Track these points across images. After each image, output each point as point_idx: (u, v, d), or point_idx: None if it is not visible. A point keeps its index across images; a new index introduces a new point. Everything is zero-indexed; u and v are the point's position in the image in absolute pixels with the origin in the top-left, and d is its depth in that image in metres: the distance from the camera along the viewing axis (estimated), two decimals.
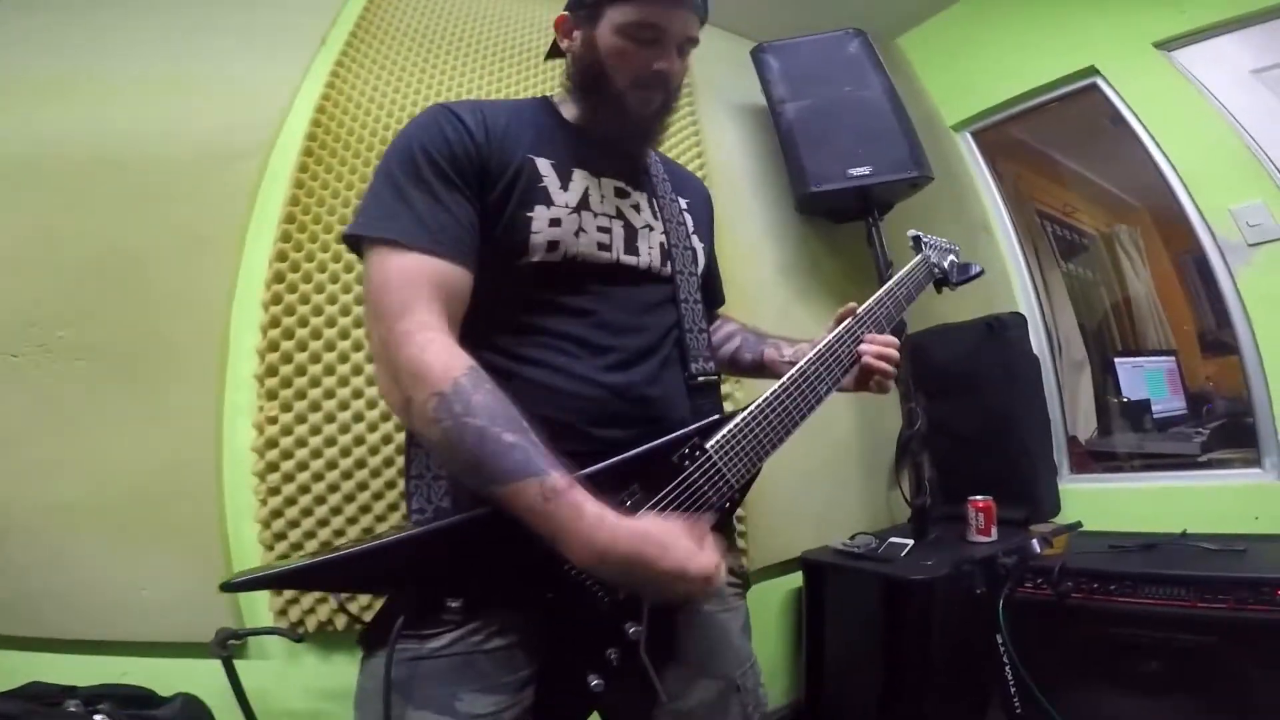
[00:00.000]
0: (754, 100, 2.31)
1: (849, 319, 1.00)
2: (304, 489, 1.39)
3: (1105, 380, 2.62)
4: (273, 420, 1.39)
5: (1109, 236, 3.14)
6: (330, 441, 1.42)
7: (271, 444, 1.38)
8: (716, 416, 0.85)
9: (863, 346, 0.99)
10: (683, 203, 1.06)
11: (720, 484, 0.81)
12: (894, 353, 1.00)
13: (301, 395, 1.42)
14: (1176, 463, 2.13)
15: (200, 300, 1.43)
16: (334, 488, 1.41)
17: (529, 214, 0.84)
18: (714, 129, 2.26)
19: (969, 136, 2.58)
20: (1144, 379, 2.61)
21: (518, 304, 0.85)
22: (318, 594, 1.36)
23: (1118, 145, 2.19)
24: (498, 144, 0.86)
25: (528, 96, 1.10)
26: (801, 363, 0.92)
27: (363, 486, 1.43)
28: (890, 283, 1.10)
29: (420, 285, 0.76)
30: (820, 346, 0.95)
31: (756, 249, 2.17)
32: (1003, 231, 2.49)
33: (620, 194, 0.96)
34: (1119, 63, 2.17)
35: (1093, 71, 2.22)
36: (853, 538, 1.88)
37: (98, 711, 1.10)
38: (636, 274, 0.93)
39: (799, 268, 2.25)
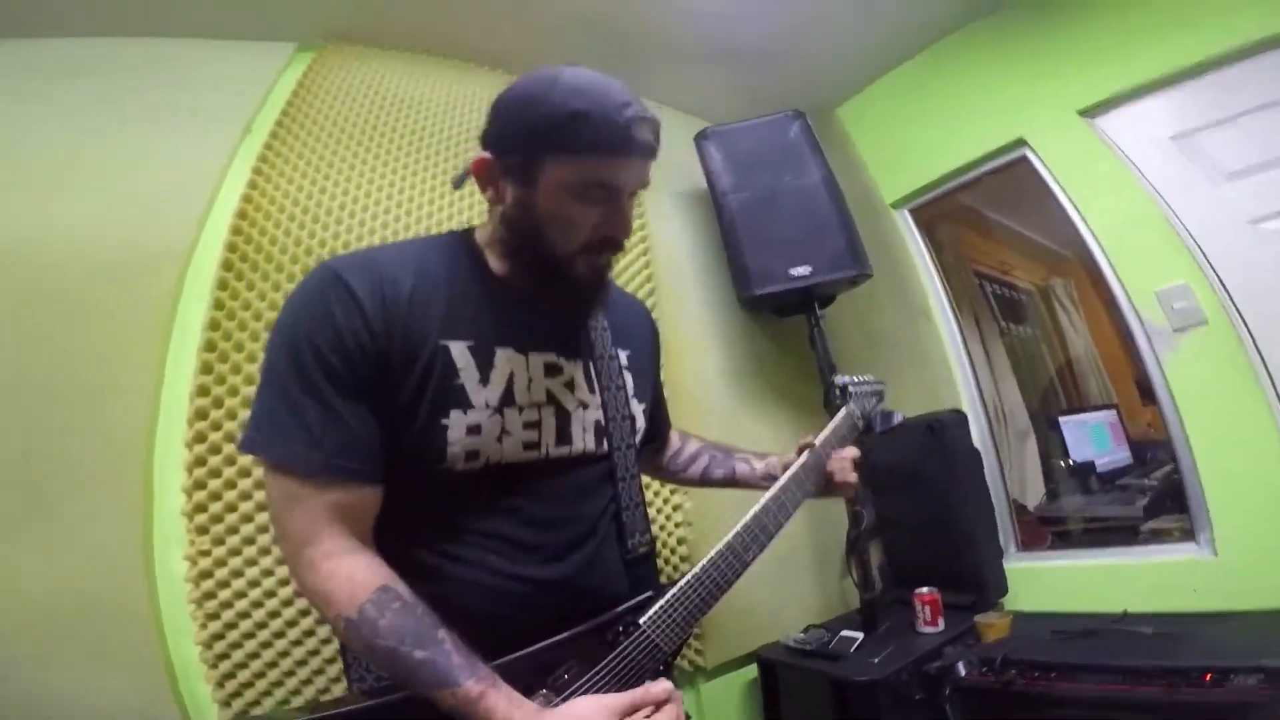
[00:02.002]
0: (697, 185, 2.31)
1: (774, 488, 1.02)
2: (244, 615, 1.33)
3: (1051, 442, 2.68)
4: (205, 553, 1.33)
5: (1045, 290, 3.25)
6: (267, 573, 1.36)
7: (206, 575, 1.32)
8: (649, 594, 0.87)
9: (837, 473, 1.09)
10: (623, 358, 0.99)
11: (654, 653, 0.83)
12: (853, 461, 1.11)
13: (234, 530, 1.35)
14: (1119, 533, 2.18)
15: (118, 432, 1.34)
16: (275, 614, 1.36)
17: (443, 421, 0.77)
18: (660, 221, 2.25)
19: (908, 215, 2.62)
20: (1089, 434, 2.70)
21: (443, 504, 0.81)
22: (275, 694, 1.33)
23: (1052, 208, 2.22)
24: (400, 328, 0.76)
25: (441, 232, 0.95)
26: (728, 536, 0.93)
27: (305, 612, 1.37)
28: (819, 439, 1.12)
29: (321, 515, 0.74)
30: (748, 517, 0.97)
31: (701, 348, 2.16)
32: (942, 315, 2.51)
33: (551, 371, 0.87)
34: (1046, 134, 2.19)
35: (1021, 143, 2.25)
36: (806, 630, 1.89)
37: None
38: (569, 462, 0.89)
39: (744, 369, 2.23)
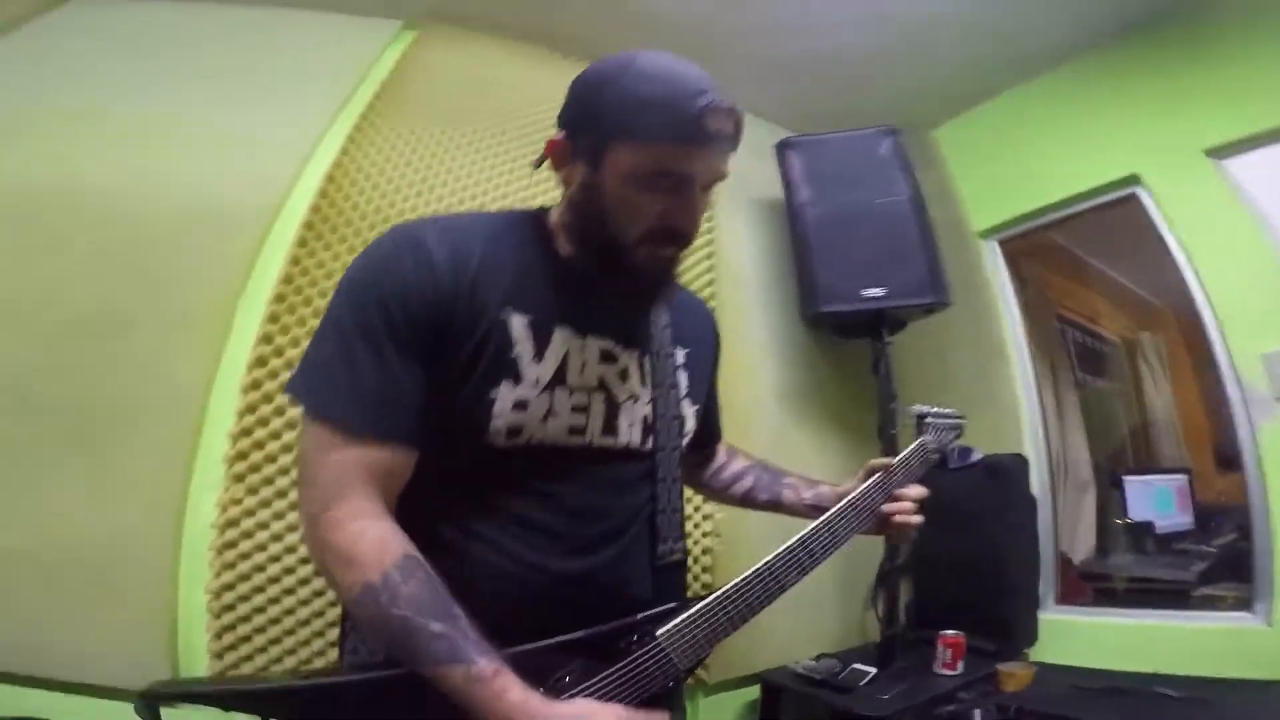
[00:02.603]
0: (773, 194, 2.25)
1: (829, 513, 0.94)
2: (259, 568, 1.39)
3: (1111, 499, 2.55)
4: (236, 501, 1.39)
5: (1132, 343, 3.05)
6: (292, 528, 1.42)
7: (232, 523, 1.38)
8: (672, 605, 0.81)
9: (896, 513, 1.03)
10: (680, 356, 0.95)
11: (667, 667, 0.77)
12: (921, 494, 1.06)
13: (269, 481, 1.42)
14: (1166, 596, 2.06)
15: (182, 372, 1.42)
16: (289, 570, 1.41)
17: (492, 394, 0.75)
18: (729, 226, 2.21)
19: (996, 245, 2.47)
20: (1153, 496, 2.54)
21: (474, 478, 0.79)
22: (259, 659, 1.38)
23: (1154, 254, 2.07)
24: (466, 293, 0.75)
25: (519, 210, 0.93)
26: (768, 558, 0.86)
27: (319, 573, 1.43)
28: (892, 464, 1.04)
29: (356, 472, 0.71)
30: (794, 542, 0.88)
31: (757, 365, 2.12)
32: (1018, 355, 2.37)
33: (606, 358, 0.84)
34: (1164, 171, 2.00)
35: (1134, 180, 2.08)
36: (817, 658, 1.85)
37: None
38: (612, 454, 0.85)
39: (801, 388, 2.18)
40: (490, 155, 1.88)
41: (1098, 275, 2.87)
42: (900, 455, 1.07)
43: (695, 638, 0.79)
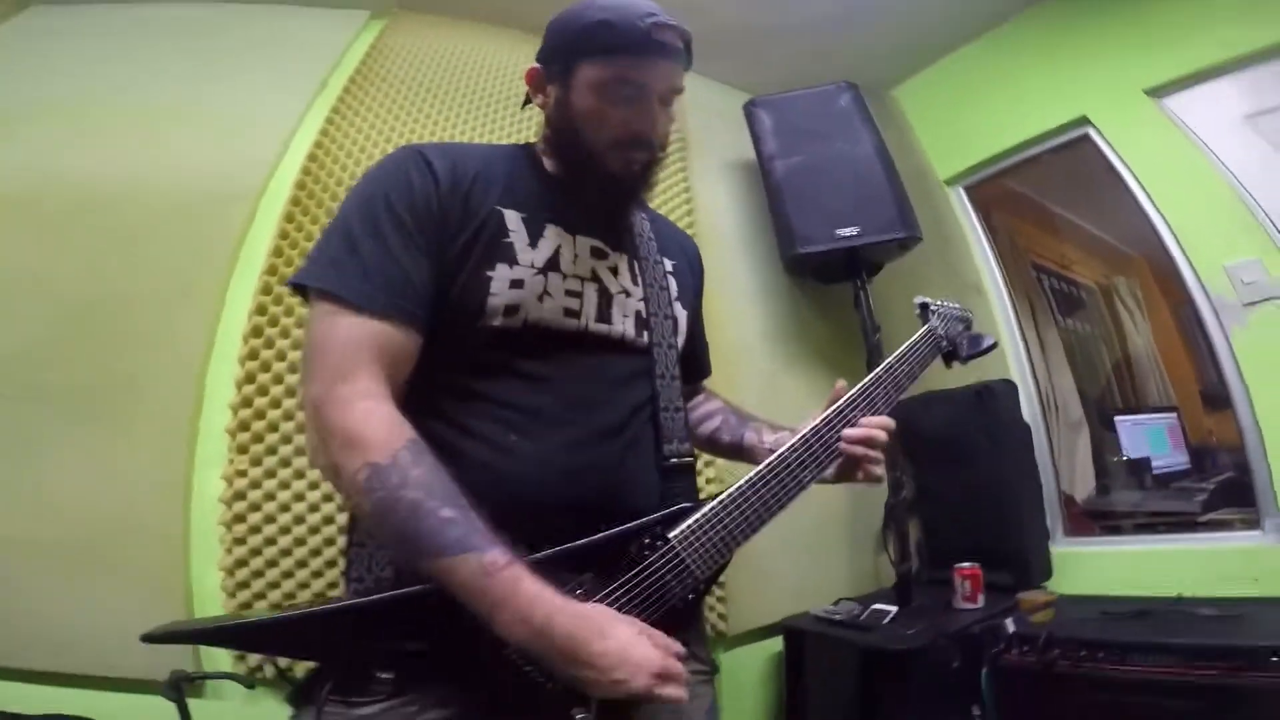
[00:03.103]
0: (746, 155, 2.32)
1: (839, 401, 0.91)
2: (270, 541, 1.38)
3: (1105, 439, 2.58)
4: (242, 474, 1.39)
5: (1108, 289, 3.11)
6: (299, 497, 1.41)
7: (239, 496, 1.37)
8: (682, 505, 0.78)
9: (846, 432, 0.88)
10: (668, 265, 0.99)
11: (684, 575, 0.75)
12: (880, 434, 0.90)
13: (272, 451, 1.42)
14: (1175, 523, 2.08)
15: (179, 349, 1.44)
16: (300, 541, 1.40)
17: (489, 273, 0.78)
18: (705, 186, 2.27)
19: (961, 191, 2.57)
20: (1145, 436, 2.57)
21: (470, 369, 0.78)
22: None
23: (1115, 195, 2.17)
24: (463, 193, 0.81)
25: (508, 143, 1.02)
26: (782, 449, 0.83)
27: (330, 542, 1.41)
28: (890, 359, 0.99)
29: (363, 348, 0.71)
30: (804, 432, 0.86)
31: (743, 311, 2.16)
32: (995, 292, 2.45)
33: (597, 254, 0.89)
34: (1110, 112, 2.15)
35: (1084, 122, 2.21)
36: (836, 603, 1.84)
37: None
38: (608, 343, 0.86)
39: (787, 332, 2.22)
40: (466, 129, 1.94)
41: (1066, 223, 2.94)
42: (909, 341, 1.04)
43: (711, 541, 0.77)
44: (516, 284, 0.79)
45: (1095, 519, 2.33)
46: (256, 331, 1.46)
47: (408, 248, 0.76)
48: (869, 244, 1.97)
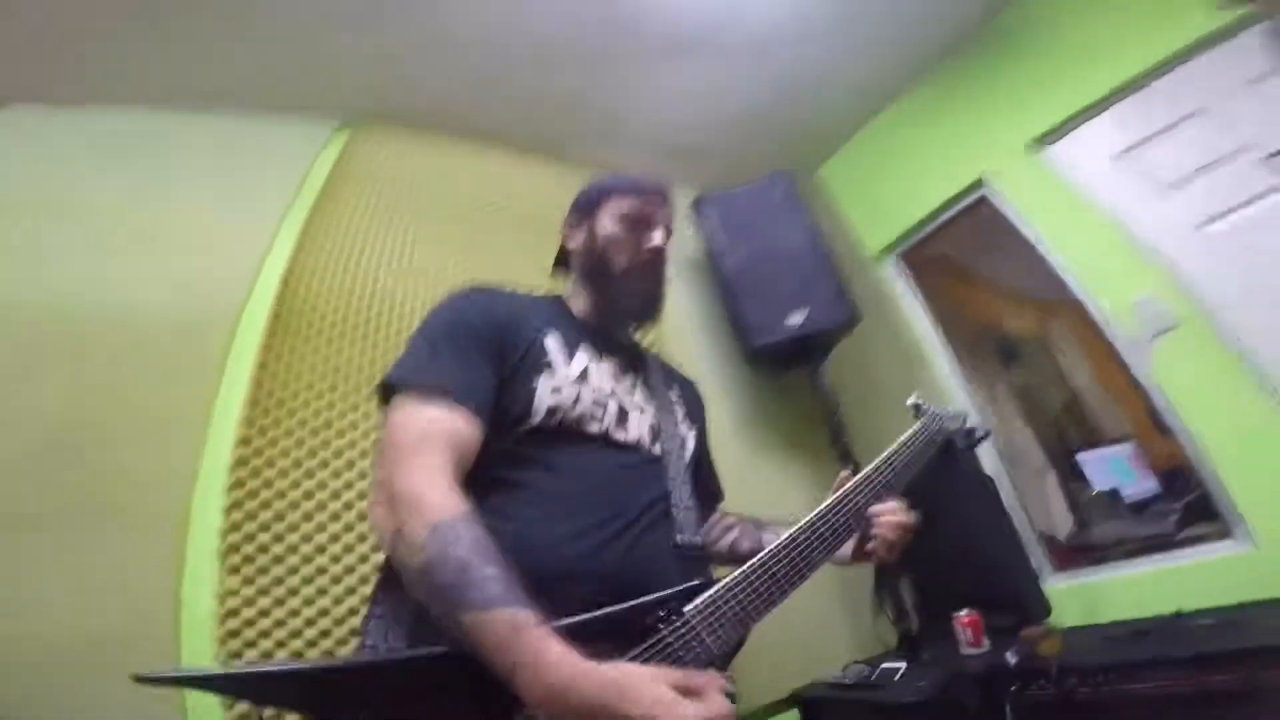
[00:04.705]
0: (695, 251, 2.50)
1: (844, 487, 1.00)
2: (266, 656, 1.35)
3: (1071, 478, 2.65)
4: (234, 593, 1.37)
5: (1043, 337, 3.31)
6: (294, 613, 1.40)
7: (233, 613, 1.36)
8: (699, 582, 0.80)
9: (879, 521, 1.01)
10: (673, 394, 1.16)
11: (698, 649, 0.75)
12: (911, 522, 1.03)
13: (264, 571, 1.41)
14: (1155, 543, 2.12)
15: (164, 476, 1.44)
16: (298, 655, 1.37)
17: (534, 383, 0.94)
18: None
19: (895, 260, 2.73)
20: (1110, 467, 2.66)
21: (509, 463, 0.89)
22: None
23: (1023, 248, 2.30)
24: (515, 323, 0.99)
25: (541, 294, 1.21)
26: (792, 529, 0.89)
27: (327, 656, 1.38)
28: (888, 450, 1.09)
29: (438, 435, 0.82)
30: (812, 516, 0.93)
31: (712, 404, 2.20)
32: (939, 360, 2.54)
33: (616, 375, 1.05)
34: (1001, 169, 2.31)
35: (979, 185, 2.39)
36: (845, 668, 1.83)
37: None
38: (626, 448, 0.99)
39: (754, 420, 2.33)
40: (436, 237, 2.06)
41: (991, 280, 3.16)
42: (905, 434, 1.14)
43: (725, 616, 0.78)
44: (556, 391, 0.95)
45: (1080, 553, 2.37)
46: (242, 461, 1.48)
47: (478, 360, 0.92)
48: (816, 331, 2.13)
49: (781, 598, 0.84)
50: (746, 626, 0.80)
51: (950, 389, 2.50)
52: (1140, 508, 2.50)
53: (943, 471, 2.02)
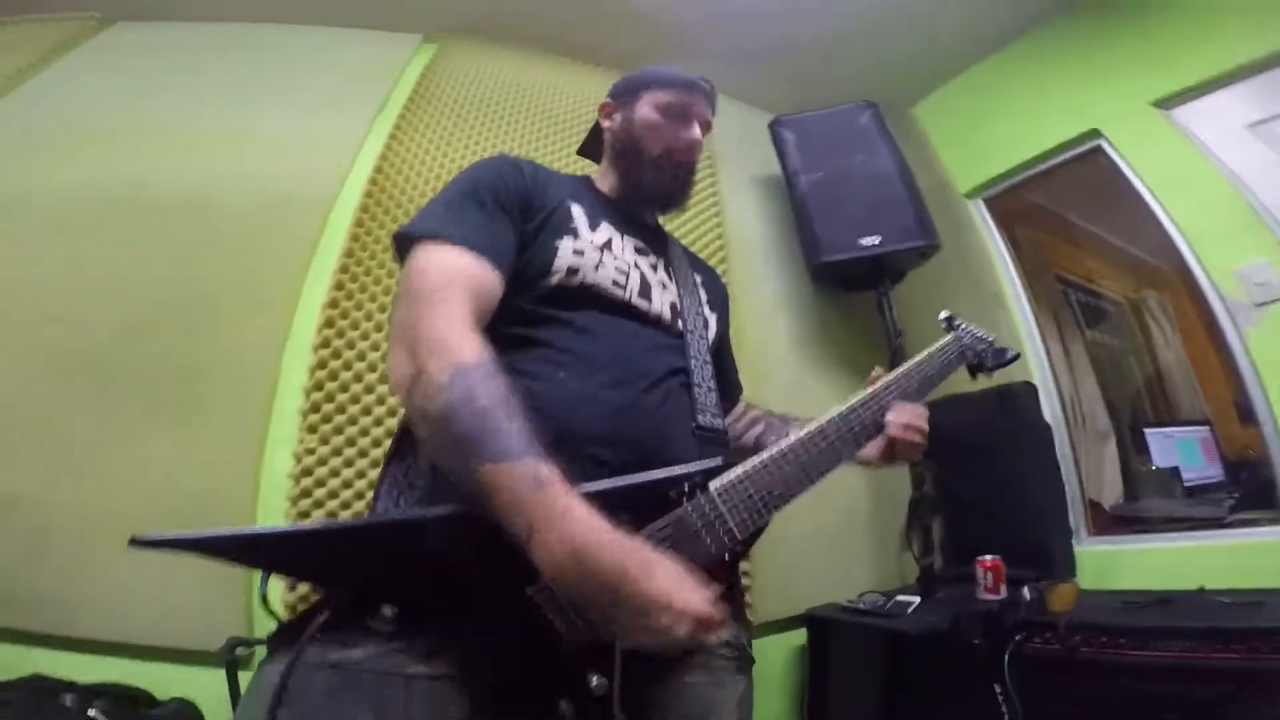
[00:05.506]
0: (771, 171, 2.46)
1: (875, 385, 0.98)
2: (332, 516, 1.48)
3: (1132, 449, 2.58)
4: (310, 451, 1.52)
5: (1136, 304, 3.14)
6: (361, 474, 1.54)
7: (307, 472, 1.50)
8: (721, 460, 0.76)
9: (889, 417, 0.95)
10: (698, 278, 1.14)
11: (719, 529, 0.72)
12: (922, 423, 0.98)
13: (339, 431, 1.56)
14: (1200, 524, 2.07)
15: (256, 339, 1.60)
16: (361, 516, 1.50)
17: (557, 243, 0.92)
18: (733, 199, 2.41)
19: (981, 204, 2.64)
20: (1175, 448, 2.57)
21: (530, 320, 0.88)
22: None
23: (1130, 205, 2.23)
24: (541, 187, 0.98)
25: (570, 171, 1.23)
26: (822, 419, 0.87)
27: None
28: (919, 356, 1.08)
29: (459, 279, 0.79)
30: (844, 408, 0.90)
31: (771, 317, 2.28)
32: (1015, 300, 2.50)
33: (640, 252, 1.04)
34: (1120, 124, 2.25)
35: (1096, 134, 2.29)
36: (860, 596, 1.90)
37: (91, 706, 1.14)
38: (648, 318, 0.97)
39: (812, 337, 2.33)
40: (514, 144, 2.14)
41: (1090, 238, 2.99)
42: (938, 343, 1.13)
43: (748, 498, 0.75)
44: (578, 253, 0.93)
45: (1123, 523, 2.34)
46: (329, 323, 1.62)
47: (500, 215, 0.90)
48: (890, 252, 2.08)
49: (805, 487, 0.81)
50: (768, 513, 0.76)
51: (1021, 337, 2.44)
52: (1197, 492, 2.43)
53: (1001, 413, 2.05)
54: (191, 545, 0.64)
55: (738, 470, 0.76)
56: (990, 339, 1.25)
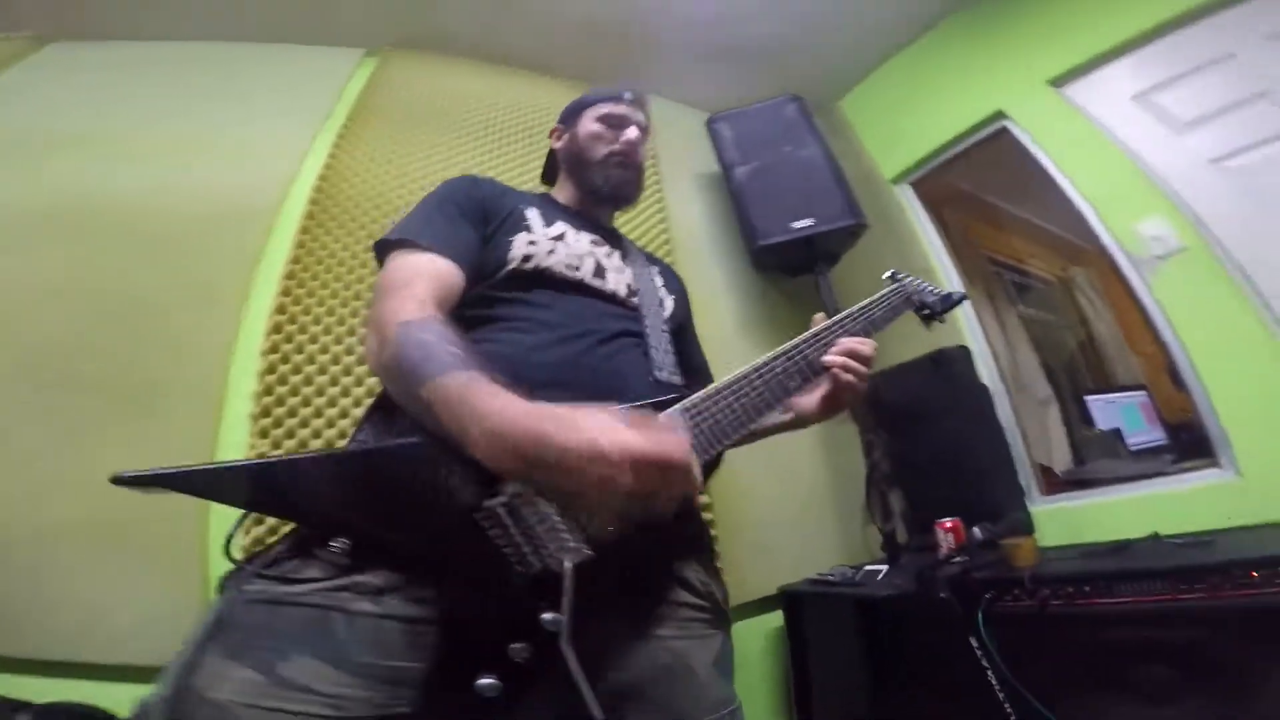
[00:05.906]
0: (710, 168, 2.57)
1: (818, 326, 1.01)
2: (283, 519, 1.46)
3: (1075, 416, 2.68)
4: (262, 456, 1.48)
5: (1066, 280, 3.30)
6: None
7: None
8: (674, 395, 0.81)
9: (827, 357, 0.97)
10: (655, 269, 1.22)
11: None
12: (863, 349, 0.99)
13: (291, 435, 1.54)
14: (1146, 476, 2.16)
15: (205, 346, 1.59)
16: None
17: (511, 239, 1.01)
18: (676, 196, 2.51)
19: (908, 188, 2.78)
20: (1118, 413, 2.68)
21: (490, 303, 0.95)
22: None
23: (1039, 180, 2.35)
24: (499, 196, 1.09)
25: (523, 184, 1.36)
26: (766, 356, 0.90)
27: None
28: (864, 302, 1.11)
29: (425, 275, 0.88)
30: (788, 345, 0.95)
31: (718, 303, 2.36)
32: (945, 276, 2.60)
33: (595, 244, 1.11)
34: (1021, 104, 2.40)
35: (1001, 116, 2.45)
36: (831, 570, 1.92)
37: None
38: (601, 294, 1.04)
39: (758, 321, 2.43)
40: (454, 152, 2.18)
41: (1016, 220, 3.15)
42: (877, 294, 1.17)
43: (700, 430, 0.78)
44: (532, 244, 1.02)
45: (1072, 485, 2.41)
46: (277, 328, 1.62)
47: (460, 222, 1.00)
48: (822, 232, 2.19)
49: (755, 419, 0.84)
50: (719, 443, 0.79)
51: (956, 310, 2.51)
52: (1143, 455, 2.53)
53: (936, 376, 2.11)
54: (168, 480, 0.67)
55: (688, 401, 0.79)
56: (935, 288, 1.31)
